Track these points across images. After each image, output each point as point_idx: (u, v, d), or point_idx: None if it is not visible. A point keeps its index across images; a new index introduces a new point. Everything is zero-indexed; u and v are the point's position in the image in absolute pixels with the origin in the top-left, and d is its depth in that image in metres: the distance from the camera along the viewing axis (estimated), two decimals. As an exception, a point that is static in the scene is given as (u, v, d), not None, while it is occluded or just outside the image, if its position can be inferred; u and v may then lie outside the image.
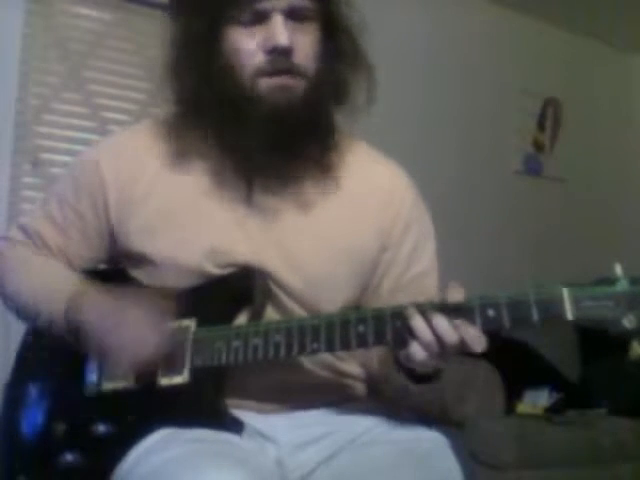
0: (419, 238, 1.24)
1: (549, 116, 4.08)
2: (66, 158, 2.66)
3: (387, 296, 1.21)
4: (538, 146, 4.05)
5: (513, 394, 2.97)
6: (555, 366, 3.16)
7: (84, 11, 2.80)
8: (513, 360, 2.98)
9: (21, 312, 1.27)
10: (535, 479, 2.66)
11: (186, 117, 1.21)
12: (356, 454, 1.11)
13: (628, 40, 4.27)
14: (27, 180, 2.66)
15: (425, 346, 1.00)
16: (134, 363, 1.10)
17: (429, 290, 1.22)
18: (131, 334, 1.09)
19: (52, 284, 1.22)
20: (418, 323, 1.00)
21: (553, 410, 2.99)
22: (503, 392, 2.89)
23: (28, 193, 2.64)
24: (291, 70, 1.12)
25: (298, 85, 1.13)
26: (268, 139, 1.12)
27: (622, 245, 4.08)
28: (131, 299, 1.12)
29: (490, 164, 3.81)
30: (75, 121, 2.75)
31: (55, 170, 2.64)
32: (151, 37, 2.69)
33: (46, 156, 2.69)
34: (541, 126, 4.06)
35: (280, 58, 1.11)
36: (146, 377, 1.12)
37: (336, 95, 1.17)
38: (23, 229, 1.30)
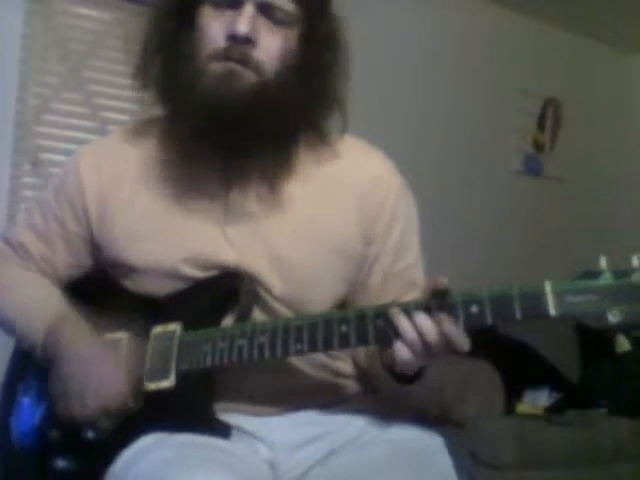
0: (406, 228, 1.22)
1: (549, 116, 4.08)
2: (66, 158, 2.66)
3: (376, 289, 1.20)
4: (538, 146, 4.05)
5: (513, 394, 2.97)
6: (555, 366, 3.15)
7: (84, 11, 2.80)
8: (513, 360, 2.98)
9: (5, 329, 1.27)
10: (535, 479, 2.66)
11: (163, 113, 1.19)
12: (351, 454, 1.11)
13: (628, 40, 4.27)
14: (27, 180, 2.66)
15: (409, 345, 0.99)
16: (92, 408, 1.09)
17: (417, 281, 1.22)
18: (97, 383, 1.09)
19: (31, 310, 1.21)
20: (401, 322, 0.99)
21: (553, 410, 3.00)
22: (503, 392, 2.89)
23: (28, 193, 2.64)
24: (245, 61, 1.08)
25: (247, 76, 1.08)
26: (204, 129, 1.09)
27: (622, 245, 4.08)
28: (104, 347, 1.13)
29: (490, 164, 3.81)
30: (75, 121, 2.75)
31: (55, 170, 2.64)
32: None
33: (46, 156, 2.69)
34: (541, 126, 4.06)
35: (238, 47, 1.08)
36: (134, 383, 1.11)
37: (298, 107, 1.12)
38: (7, 241, 1.30)
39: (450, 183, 3.54)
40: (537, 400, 3.05)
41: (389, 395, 1.20)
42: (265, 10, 1.09)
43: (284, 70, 1.11)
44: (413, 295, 1.19)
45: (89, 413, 1.09)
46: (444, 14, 3.63)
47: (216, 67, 1.09)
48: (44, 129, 2.71)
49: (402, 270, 1.21)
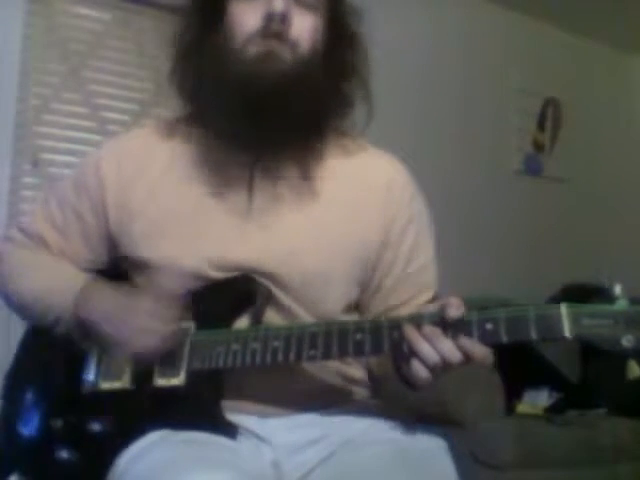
0: (419, 234, 1.24)
1: (549, 116, 4.08)
2: (66, 158, 2.67)
3: (388, 292, 1.22)
4: (538, 146, 4.05)
5: (513, 394, 2.97)
6: (555, 366, 3.15)
7: (84, 11, 2.80)
8: (513, 360, 2.98)
9: (24, 311, 1.26)
10: (535, 479, 2.66)
11: (189, 112, 1.21)
12: (353, 455, 1.11)
13: (628, 40, 4.27)
14: (27, 180, 2.66)
15: (431, 369, 1.00)
16: (138, 355, 1.10)
17: (428, 283, 1.24)
18: (140, 326, 1.09)
19: (60, 279, 1.22)
20: (424, 347, 1.00)
21: (553, 410, 2.99)
22: (503, 392, 2.89)
23: (28, 193, 2.64)
24: (282, 36, 1.11)
25: (286, 54, 1.11)
26: (246, 113, 1.10)
27: (622, 245, 4.08)
28: (140, 294, 1.13)
29: (490, 164, 3.81)
30: (75, 121, 2.76)
31: (55, 170, 2.65)
32: (150, 36, 2.70)
33: (46, 156, 2.69)
34: (541, 126, 4.06)
35: (274, 24, 1.10)
36: (143, 378, 1.11)
37: (329, 88, 1.15)
38: (23, 230, 1.30)
39: (450, 183, 3.54)
40: (537, 400, 3.04)
41: (390, 396, 1.20)
42: None
43: (314, 52, 1.14)
44: (423, 299, 1.21)
45: (159, 340, 1.09)
46: (444, 14, 3.63)
47: (253, 48, 1.11)
48: (44, 129, 2.70)
49: (413, 273, 1.23)
